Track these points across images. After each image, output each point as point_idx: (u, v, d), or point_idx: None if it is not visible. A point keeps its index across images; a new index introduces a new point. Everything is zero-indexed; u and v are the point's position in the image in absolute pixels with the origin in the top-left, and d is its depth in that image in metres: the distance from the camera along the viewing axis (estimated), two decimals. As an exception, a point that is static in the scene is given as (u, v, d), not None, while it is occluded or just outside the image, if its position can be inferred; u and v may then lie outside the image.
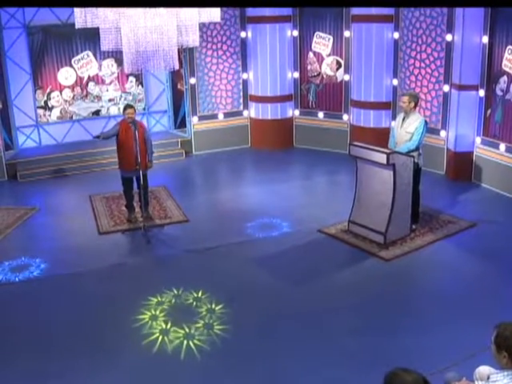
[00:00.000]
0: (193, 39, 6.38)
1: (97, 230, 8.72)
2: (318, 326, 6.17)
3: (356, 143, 8.02)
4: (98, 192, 10.24)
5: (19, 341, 6.05)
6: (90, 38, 11.62)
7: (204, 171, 11.76)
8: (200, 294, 6.76)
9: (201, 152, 12.50)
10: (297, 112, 12.64)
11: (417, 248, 7.83)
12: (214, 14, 6.21)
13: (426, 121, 8.04)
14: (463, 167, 10.27)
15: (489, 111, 9.83)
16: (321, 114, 12.33)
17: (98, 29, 6.89)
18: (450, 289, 6.88)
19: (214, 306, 6.51)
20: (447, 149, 10.53)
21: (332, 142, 12.26)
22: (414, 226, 8.25)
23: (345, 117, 12.07)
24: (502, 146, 9.62)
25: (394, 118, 11.39)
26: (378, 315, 6.36)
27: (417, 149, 7.97)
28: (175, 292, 6.83)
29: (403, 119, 8.09)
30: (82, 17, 6.06)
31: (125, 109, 8.54)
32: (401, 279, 7.13)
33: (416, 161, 7.92)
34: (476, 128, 10.03)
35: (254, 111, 12.70)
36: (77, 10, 6.13)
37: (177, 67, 6.63)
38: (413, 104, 7.97)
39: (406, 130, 7.99)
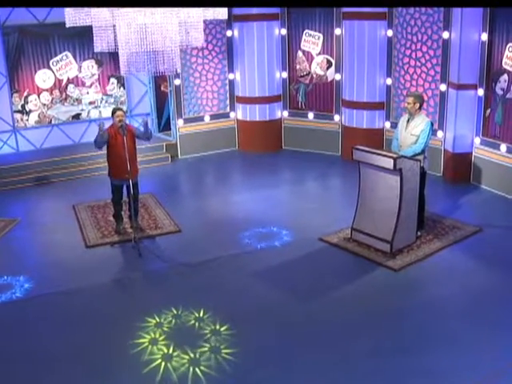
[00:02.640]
0: (196, 38, 5.87)
1: (83, 242, 8.16)
2: (331, 347, 5.74)
3: (359, 147, 7.60)
4: (81, 201, 9.68)
5: (3, 371, 5.51)
6: (69, 38, 11.10)
7: (192, 176, 11.26)
8: (202, 314, 6.26)
9: (187, 156, 12.02)
10: (286, 113, 12.22)
11: (425, 256, 7.46)
12: (219, 10, 5.69)
13: (431, 122, 7.68)
14: (461, 168, 9.97)
15: (488, 111, 9.53)
16: (311, 115, 11.92)
17: (77, 29, 6.39)
18: (466, 301, 6.51)
19: (218, 327, 6.03)
20: (444, 150, 10.21)
21: (323, 144, 11.88)
22: (419, 233, 7.89)
23: (336, 117, 11.68)
24: (503, 147, 9.32)
25: (387, 118, 11.07)
26: (393, 332, 5.97)
27: (422, 152, 7.62)
28: (175, 312, 6.34)
29: (408, 121, 7.71)
30: (73, 14, 5.50)
31: (114, 112, 8.00)
32: (413, 291, 6.74)
33: (421, 164, 7.56)
34: (475, 128, 9.73)
35: (241, 113, 12.24)
36: (68, 8, 5.58)
37: (179, 69, 6.13)
38: (418, 105, 7.61)
39: (411, 132, 7.62)
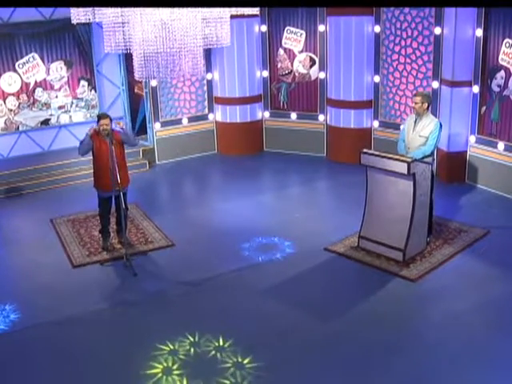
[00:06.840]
0: (223, 36, 5.25)
1: (69, 262, 7.47)
2: (364, 374, 5.28)
3: (368, 151, 7.17)
4: (59, 214, 8.93)
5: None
6: (36, 38, 10.31)
7: (174, 183, 10.62)
8: (221, 342, 5.68)
9: (165, 161, 11.38)
10: (267, 114, 11.71)
11: (439, 264, 7.10)
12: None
13: (441, 123, 7.30)
14: (456, 168, 9.68)
15: (484, 108, 9.26)
16: (294, 115, 11.45)
17: (44, 28, 5.70)
18: (490, 311, 6.15)
19: (240, 359, 5.46)
20: (438, 148, 9.87)
21: (307, 145, 11.42)
22: (428, 239, 7.53)
23: (321, 117, 11.25)
24: (501, 145, 9.06)
25: (376, 117, 10.70)
26: (421, 352, 5.52)
27: (431, 154, 7.25)
28: (191, 339, 5.74)
29: (415, 122, 7.32)
30: (79, 10, 4.80)
31: (99, 119, 7.29)
32: (434, 304, 6.31)
33: (432, 168, 7.20)
34: (470, 126, 9.45)
35: (220, 114, 11.67)
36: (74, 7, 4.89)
37: (202, 72, 5.52)
38: (426, 105, 7.22)
39: (420, 133, 7.23)
